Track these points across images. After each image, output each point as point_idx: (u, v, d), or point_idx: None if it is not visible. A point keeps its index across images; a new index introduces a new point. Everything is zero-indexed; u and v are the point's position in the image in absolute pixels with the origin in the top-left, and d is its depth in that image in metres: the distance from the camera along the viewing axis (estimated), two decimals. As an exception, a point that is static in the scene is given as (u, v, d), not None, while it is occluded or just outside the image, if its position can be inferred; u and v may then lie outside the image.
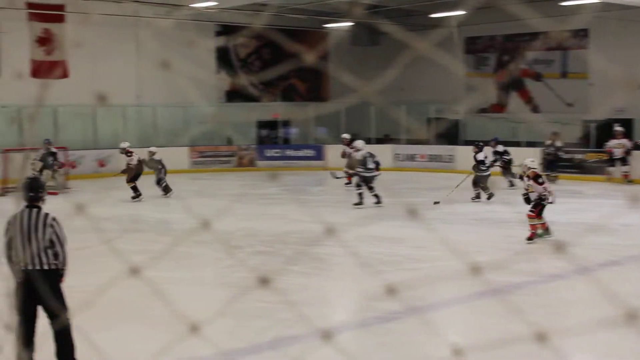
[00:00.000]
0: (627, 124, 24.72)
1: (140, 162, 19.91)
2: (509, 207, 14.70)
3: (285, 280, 10.21)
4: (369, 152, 18.10)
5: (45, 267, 6.62)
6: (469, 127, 30.30)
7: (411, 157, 28.52)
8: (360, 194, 17.76)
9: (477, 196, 18.74)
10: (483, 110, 30.77)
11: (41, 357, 6.67)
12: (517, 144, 25.84)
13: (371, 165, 17.78)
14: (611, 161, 23.16)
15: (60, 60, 27.33)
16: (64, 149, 23.01)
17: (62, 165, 21.78)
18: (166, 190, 20.13)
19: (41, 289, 6.54)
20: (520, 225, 13.28)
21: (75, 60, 26.96)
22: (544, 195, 12.72)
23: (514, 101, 30.88)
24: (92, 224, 12.55)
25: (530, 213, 12.88)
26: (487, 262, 11.38)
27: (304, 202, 19.54)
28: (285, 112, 31.71)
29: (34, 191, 6.78)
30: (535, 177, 12.85)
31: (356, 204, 17.71)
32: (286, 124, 32.76)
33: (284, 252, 12.98)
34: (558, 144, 23.86)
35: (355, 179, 18.50)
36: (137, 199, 19.45)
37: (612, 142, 23.17)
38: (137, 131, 28.50)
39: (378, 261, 11.78)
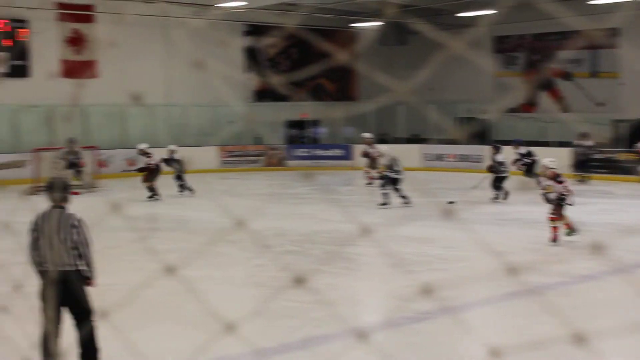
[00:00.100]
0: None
1: (159, 163, 19.92)
2: (537, 207, 14.58)
3: (315, 280, 10.21)
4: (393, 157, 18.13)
5: (69, 268, 6.50)
6: (499, 127, 30.12)
7: (440, 157, 28.42)
8: (385, 194, 17.72)
9: (497, 197, 18.59)
10: (513, 110, 30.58)
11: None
12: (546, 144, 25.67)
13: (398, 168, 17.76)
14: (641, 161, 22.97)
15: (89, 60, 27.53)
16: (94, 148, 23.17)
17: (83, 164, 21.76)
18: (183, 188, 20.27)
19: (65, 291, 6.42)
20: (539, 225, 13.17)
21: (105, 60, 27.14)
22: (564, 194, 12.60)
23: (544, 101, 30.65)
24: (127, 223, 12.62)
25: (552, 215, 12.75)
26: (519, 262, 11.31)
27: (333, 202, 19.51)
28: (313, 111, 31.71)
29: (59, 191, 6.69)
30: (555, 177, 12.75)
31: (382, 204, 17.67)
32: (315, 123, 32.78)
33: (313, 251, 12.97)
34: (588, 143, 23.66)
35: (380, 180, 18.44)
36: (152, 199, 19.50)
37: None
38: (166, 130, 28.62)
39: (408, 261, 11.74)
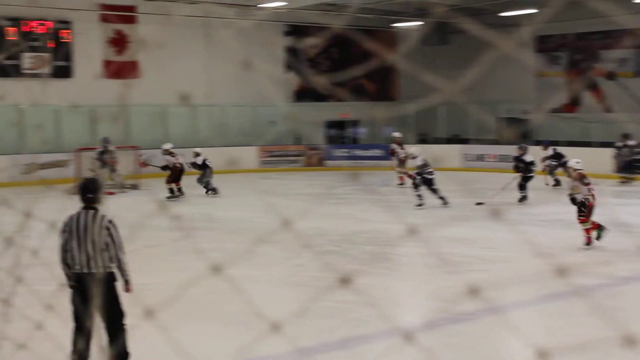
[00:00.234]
0: None
1: (183, 164, 20.00)
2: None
3: (354, 280, 10.16)
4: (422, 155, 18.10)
5: (101, 270, 6.43)
6: (541, 127, 29.83)
7: (480, 157, 28.21)
8: (419, 196, 17.63)
9: (524, 198, 18.36)
10: (555, 110, 30.26)
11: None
12: (589, 144, 25.38)
13: (429, 168, 17.69)
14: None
15: (132, 60, 27.76)
16: (135, 148, 23.35)
17: (115, 164, 21.82)
18: (208, 188, 20.36)
19: (96, 293, 6.39)
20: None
21: (147, 60, 27.34)
22: (587, 197, 12.41)
23: (587, 100, 30.27)
24: (166, 222, 12.71)
25: (581, 217, 12.55)
26: (564, 263, 11.17)
27: (373, 202, 19.44)
28: (353, 111, 31.66)
29: (91, 192, 6.60)
30: (581, 178, 12.56)
31: (418, 205, 17.58)
32: (355, 123, 32.74)
33: (352, 252, 12.94)
34: (631, 143, 23.33)
35: (413, 181, 18.36)
36: (173, 199, 19.59)
37: None
38: (207, 130, 28.78)
39: (448, 262, 11.66)
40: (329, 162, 29.94)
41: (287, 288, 10.55)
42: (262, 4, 27.45)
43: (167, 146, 20.22)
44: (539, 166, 19.41)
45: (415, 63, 2.24)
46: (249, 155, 28.30)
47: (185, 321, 8.19)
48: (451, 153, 27.83)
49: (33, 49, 25.98)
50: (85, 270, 6.40)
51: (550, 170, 21.00)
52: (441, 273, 10.74)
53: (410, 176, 21.42)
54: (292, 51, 32.07)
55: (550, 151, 20.77)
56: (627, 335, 1.90)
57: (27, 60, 25.88)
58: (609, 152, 23.36)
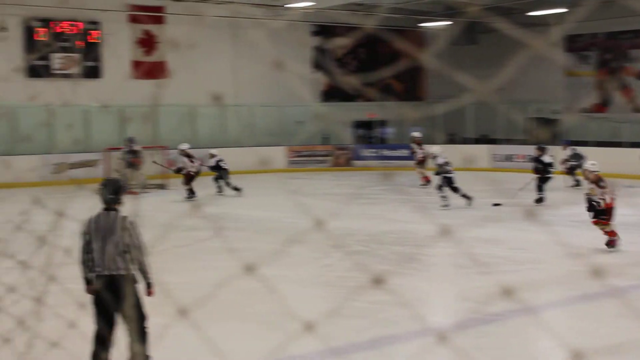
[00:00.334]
0: None
1: (199, 165, 20.05)
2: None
3: (379, 280, 10.14)
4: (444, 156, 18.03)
5: (122, 272, 6.36)
6: (570, 127, 29.62)
7: (509, 158, 28.05)
8: (444, 197, 17.59)
9: (541, 199, 18.10)
10: (584, 110, 30.03)
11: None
12: (619, 144, 25.16)
13: (449, 167, 17.64)
14: None
15: (160, 61, 27.91)
16: (163, 148, 23.47)
17: (138, 163, 21.84)
18: (230, 188, 20.41)
19: (117, 296, 6.31)
20: (621, 227, 12.83)
21: (174, 60, 27.47)
22: (600, 199, 12.22)
23: (617, 100, 30.02)
24: (196, 222, 12.71)
25: (602, 220, 12.36)
26: (597, 264, 11.10)
27: (402, 202, 19.40)
28: (381, 111, 31.63)
29: (113, 193, 6.53)
30: (597, 181, 12.37)
31: (444, 206, 17.53)
32: (382, 123, 32.69)
33: (380, 252, 12.91)
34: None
35: (435, 181, 18.31)
36: (191, 199, 19.65)
37: None
38: (235, 130, 28.90)
39: (477, 262, 11.60)
40: (357, 162, 29.94)
41: (316, 288, 10.55)
42: (290, 4, 27.49)
43: (184, 146, 20.26)
44: (558, 167, 19.19)
45: (444, 63, 2.22)
46: (277, 155, 28.35)
47: (215, 321, 8.21)
48: (480, 153, 27.70)
49: (63, 50, 26.22)
50: (106, 272, 6.35)
51: (570, 171, 20.82)
52: (470, 273, 10.69)
53: (425, 178, 21.34)
54: (319, 51, 32.09)
55: (569, 151, 20.59)
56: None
57: (57, 60, 26.11)
58: (638, 153, 23.15)
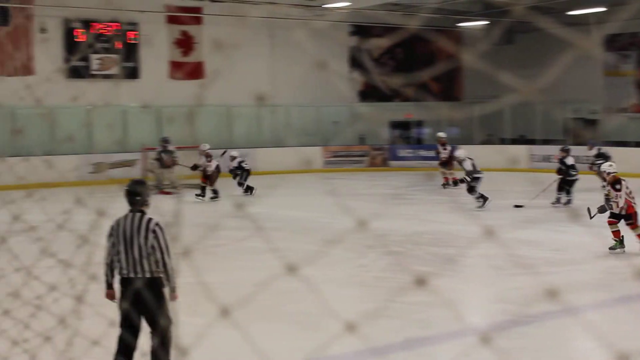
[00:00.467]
0: None
1: (218, 167, 20.10)
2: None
3: (414, 281, 10.11)
4: (470, 157, 18.02)
5: (147, 275, 6.25)
6: (609, 127, 29.31)
7: (547, 158, 27.79)
8: (478, 198, 17.59)
9: (557, 200, 17.78)
10: (623, 110, 29.70)
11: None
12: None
13: (477, 168, 17.59)
14: None
15: (197, 61, 28.09)
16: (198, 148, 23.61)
17: (172, 164, 21.73)
18: (247, 190, 20.55)
19: (142, 299, 6.23)
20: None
21: (210, 61, 27.63)
22: (615, 201, 12.03)
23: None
24: (231, 222, 12.77)
25: (612, 219, 12.18)
26: (634, 266, 11.00)
27: (437, 203, 19.34)
28: (418, 111, 31.55)
29: (139, 195, 6.44)
30: (614, 183, 12.18)
31: (480, 207, 17.52)
32: (419, 123, 32.60)
33: (416, 252, 12.90)
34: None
35: (463, 184, 18.28)
36: (216, 199, 19.71)
37: None
38: (270, 130, 29.02)
39: (513, 264, 11.53)
40: (393, 163, 29.89)
41: (352, 288, 10.56)
42: (327, 4, 27.52)
43: (205, 147, 20.33)
44: (581, 168, 18.87)
45: (482, 63, 2.23)
46: (313, 155, 28.40)
47: (252, 321, 8.26)
48: (517, 154, 27.51)
49: (102, 51, 26.51)
50: (132, 275, 6.26)
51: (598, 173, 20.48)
52: (507, 275, 10.65)
53: (454, 179, 21.25)
54: (357, 51, 32.09)
55: (594, 151, 20.33)
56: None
57: (96, 61, 26.39)
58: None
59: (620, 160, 19.10)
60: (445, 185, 22.15)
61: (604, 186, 20.52)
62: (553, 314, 8.21)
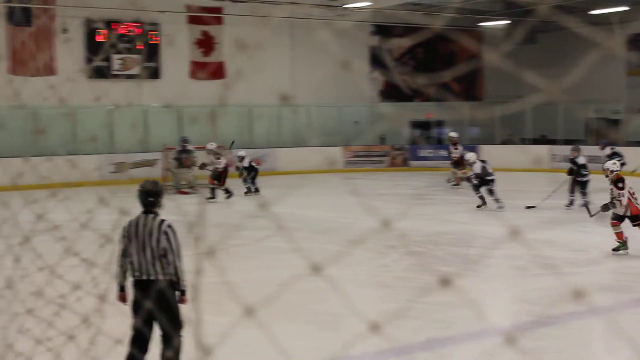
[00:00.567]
0: None
1: (227, 165, 20.12)
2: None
3: (436, 281, 10.09)
4: (482, 160, 18.02)
5: (160, 277, 6.20)
6: (631, 127, 29.10)
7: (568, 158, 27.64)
8: (497, 199, 17.54)
9: (571, 203, 17.42)
10: (645, 110, 29.51)
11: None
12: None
13: (490, 171, 17.60)
14: None
15: (218, 61, 28.17)
16: (221, 148, 23.68)
17: (191, 164, 21.79)
18: (250, 189, 20.66)
19: (154, 301, 6.22)
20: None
21: (231, 61, 27.70)
22: (616, 200, 11.94)
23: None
24: (251, 222, 12.79)
25: (615, 221, 12.04)
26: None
27: (457, 203, 19.28)
28: (439, 111, 31.49)
29: (152, 196, 6.38)
30: (616, 181, 12.07)
31: (479, 207, 17.64)
32: (439, 124, 32.53)
33: (436, 253, 12.87)
34: None
35: (470, 184, 18.27)
36: (229, 198, 19.74)
37: None
38: (291, 130, 29.05)
39: (533, 264, 11.48)
40: (414, 163, 29.84)
41: (372, 288, 10.56)
42: (348, 3, 27.51)
43: (212, 146, 20.33)
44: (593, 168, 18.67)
45: (504, 62, 2.22)
46: (334, 155, 28.41)
47: (274, 321, 8.28)
48: (538, 154, 27.39)
49: (123, 51, 26.65)
50: (144, 277, 6.22)
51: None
52: (528, 275, 10.62)
53: (467, 179, 21.19)
54: (377, 51, 32.06)
55: (607, 151, 20.13)
56: None
57: (117, 61, 26.53)
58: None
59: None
60: (456, 184, 22.11)
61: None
62: (576, 314, 8.18)
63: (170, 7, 26.59)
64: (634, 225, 11.93)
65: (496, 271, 11.43)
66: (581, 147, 18.80)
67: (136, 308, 6.22)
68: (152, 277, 6.18)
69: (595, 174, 16.90)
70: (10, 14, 24.43)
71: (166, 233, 6.20)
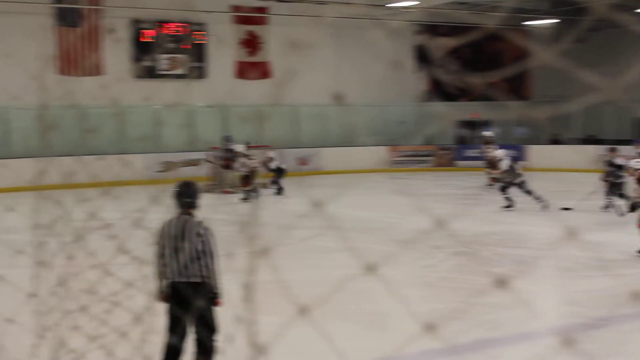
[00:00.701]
0: None
1: (258, 164, 20.14)
2: None
3: (483, 282, 10.04)
4: (510, 158, 17.98)
5: (194, 279, 6.07)
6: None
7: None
8: (507, 197, 17.55)
9: (609, 205, 16.80)
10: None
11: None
12: None
13: (519, 171, 17.50)
14: None
15: (263, 61, 28.28)
16: (266, 147, 23.78)
17: (228, 165, 21.85)
18: (279, 191, 20.75)
19: (189, 304, 6.02)
20: None
21: (277, 60, 27.78)
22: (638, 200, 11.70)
23: None
24: (297, 221, 12.81)
25: None
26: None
27: (504, 203, 19.12)
28: (485, 111, 31.25)
29: (188, 197, 6.28)
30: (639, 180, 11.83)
31: (506, 207, 17.54)
32: (486, 123, 32.29)
33: (483, 253, 12.78)
34: None
35: (499, 184, 18.10)
36: (247, 201, 19.62)
37: None
38: (336, 130, 29.05)
39: (582, 265, 11.34)
40: (460, 163, 29.68)
41: (417, 288, 10.51)
42: (392, 3, 27.44)
43: (240, 147, 20.32)
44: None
45: (560, 61, 2.19)
46: (379, 155, 28.36)
47: (324, 320, 8.28)
48: (585, 154, 27.06)
49: (170, 51, 26.90)
50: (178, 279, 6.09)
51: None
52: (578, 277, 10.50)
53: (493, 180, 21.02)
54: (422, 50, 31.95)
55: None
56: None
57: (164, 61, 26.78)
58: None
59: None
60: (490, 185, 21.87)
61: None
62: (627, 317, 8.07)
63: (216, 7, 26.75)
64: None
65: (545, 272, 11.31)
66: (622, 147, 18.42)
67: (170, 310, 6.09)
68: (187, 280, 6.07)
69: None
70: (60, 15, 24.78)
71: (202, 235, 6.10)
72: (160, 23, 26.52)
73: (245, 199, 19.51)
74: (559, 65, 1.99)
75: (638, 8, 27.37)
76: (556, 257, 11.39)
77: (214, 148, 22.98)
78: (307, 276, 10.42)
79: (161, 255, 6.16)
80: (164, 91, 23.55)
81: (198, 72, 27.28)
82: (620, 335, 7.99)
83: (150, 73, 26.39)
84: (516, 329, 8.08)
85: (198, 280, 6.08)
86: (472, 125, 31.86)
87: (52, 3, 24.65)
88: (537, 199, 17.20)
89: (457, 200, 19.69)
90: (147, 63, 26.49)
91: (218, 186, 21.44)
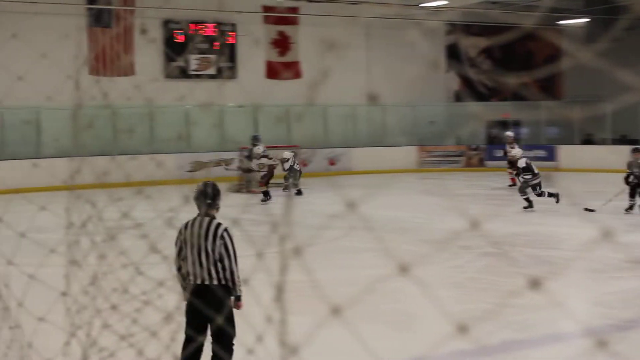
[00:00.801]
0: None
1: (273, 168, 20.19)
2: None
3: (512, 282, 10.01)
4: (528, 158, 17.82)
5: (215, 282, 5.99)
6: None
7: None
8: (527, 199, 17.44)
9: (631, 207, 16.64)
10: None
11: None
12: None
13: (536, 171, 17.44)
14: None
15: (293, 61, 28.34)
16: (295, 147, 23.85)
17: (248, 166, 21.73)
18: (296, 190, 20.77)
19: (208, 307, 5.75)
20: None
21: (307, 60, 27.82)
22: None
23: None
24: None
25: None
26: None
27: (535, 203, 19.02)
28: (516, 111, 31.09)
29: (209, 198, 6.15)
30: None
31: (525, 208, 17.41)
32: (516, 123, 32.12)
33: (512, 254, 12.72)
34: None
35: (520, 184, 17.97)
36: (266, 202, 19.54)
37: None
38: (366, 130, 29.05)
39: (612, 267, 11.25)
40: (490, 163, 29.54)
41: (445, 289, 10.48)
42: (424, 3, 27.38)
43: (259, 150, 20.30)
44: None
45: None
46: (409, 155, 28.32)
47: (354, 321, 8.29)
48: (618, 154, 26.82)
49: (200, 51, 27.04)
50: (198, 282, 6.02)
51: None
52: (607, 278, 10.43)
53: (514, 179, 20.89)
54: (452, 50, 31.85)
55: None
56: None
57: (194, 61, 26.93)
58: None
59: None
60: (512, 184, 21.72)
61: None
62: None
63: (247, 7, 26.85)
64: None
65: (574, 273, 11.26)
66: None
67: (189, 313, 5.97)
68: (207, 282, 6.00)
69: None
70: (93, 16, 25.00)
71: (223, 238, 6.02)
72: (192, 24, 26.67)
73: (263, 200, 19.54)
74: (595, 65, 1.99)
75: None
76: (586, 259, 11.32)
77: (244, 148, 23.07)
78: (337, 276, 10.43)
79: (182, 258, 6.12)
80: (196, 91, 23.70)
81: (229, 72, 27.41)
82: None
83: (182, 73, 26.56)
84: (545, 330, 8.05)
85: (217, 282, 6.02)
86: (503, 125, 31.70)
87: (86, 4, 24.87)
88: (552, 195, 17.25)
89: (487, 200, 19.61)
90: (179, 63, 26.66)
91: (245, 186, 21.51)
